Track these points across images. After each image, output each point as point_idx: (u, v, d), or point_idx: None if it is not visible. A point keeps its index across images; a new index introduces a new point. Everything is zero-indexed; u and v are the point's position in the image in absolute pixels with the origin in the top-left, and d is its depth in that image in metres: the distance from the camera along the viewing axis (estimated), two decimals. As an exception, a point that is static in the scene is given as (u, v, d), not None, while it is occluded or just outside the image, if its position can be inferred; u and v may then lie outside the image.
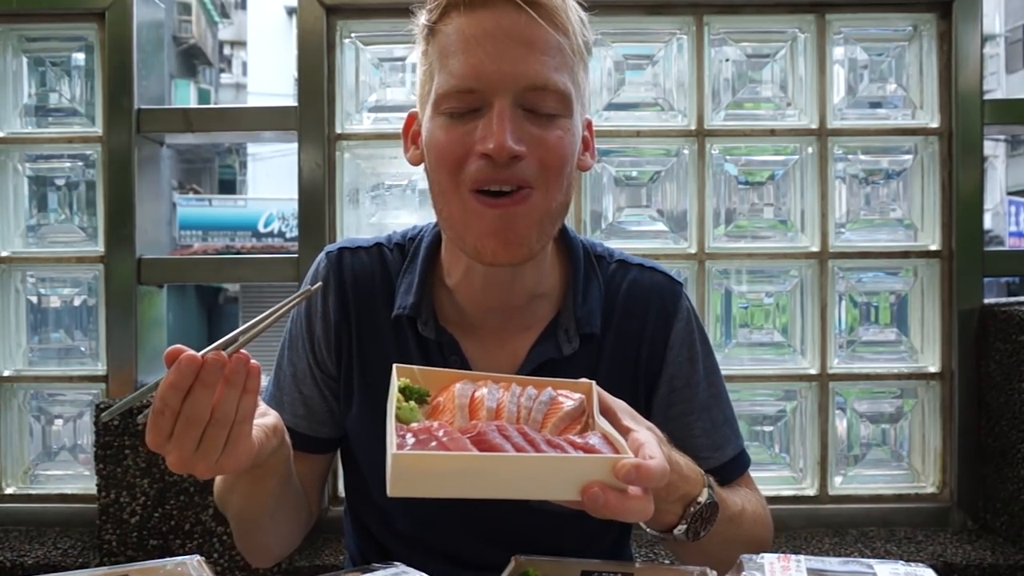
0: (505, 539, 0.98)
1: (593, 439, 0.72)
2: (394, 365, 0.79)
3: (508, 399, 0.76)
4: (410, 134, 0.99)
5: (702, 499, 0.82)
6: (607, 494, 0.66)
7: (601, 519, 0.68)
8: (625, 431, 0.75)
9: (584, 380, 0.81)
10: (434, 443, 0.67)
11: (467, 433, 0.70)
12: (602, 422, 0.76)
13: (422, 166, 0.96)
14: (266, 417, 0.82)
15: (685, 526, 0.82)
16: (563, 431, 0.76)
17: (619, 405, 0.80)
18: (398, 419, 0.72)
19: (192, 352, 0.69)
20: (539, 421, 0.76)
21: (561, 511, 0.96)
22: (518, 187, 0.87)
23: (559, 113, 0.88)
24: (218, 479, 0.98)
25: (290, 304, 0.77)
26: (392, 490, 0.65)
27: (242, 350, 0.72)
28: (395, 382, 0.76)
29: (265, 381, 0.89)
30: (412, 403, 0.76)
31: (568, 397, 0.79)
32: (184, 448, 0.71)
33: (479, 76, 0.85)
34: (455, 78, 0.86)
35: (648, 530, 0.85)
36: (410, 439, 0.68)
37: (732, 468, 1.03)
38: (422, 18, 0.91)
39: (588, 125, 0.98)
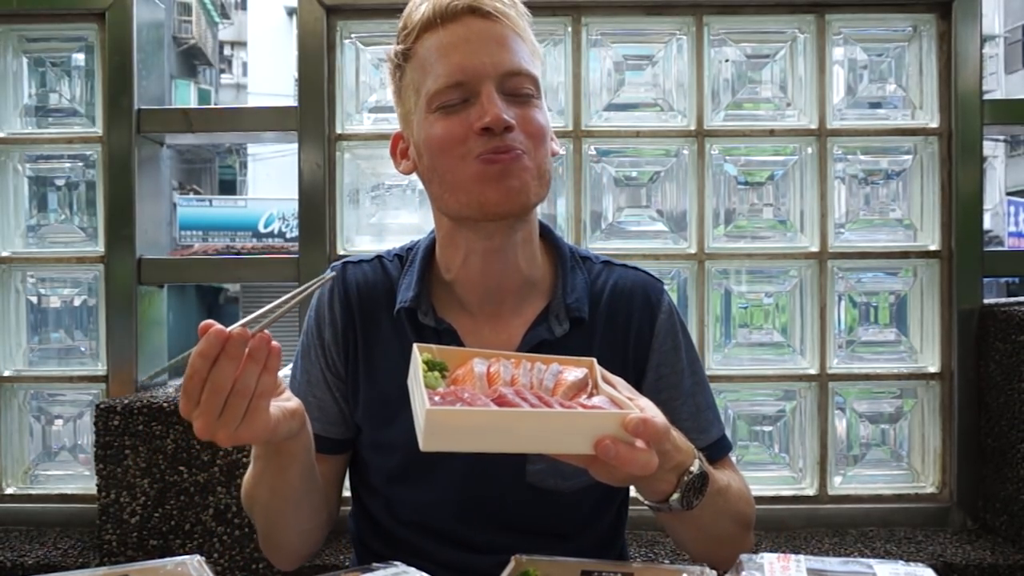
0: (506, 522, 1.05)
1: (601, 401, 0.81)
2: (415, 344, 0.86)
3: (521, 371, 0.84)
4: (398, 152, 1.09)
5: (694, 469, 0.88)
6: (618, 446, 0.74)
7: (595, 502, 0.70)
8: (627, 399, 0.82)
9: (585, 358, 0.89)
10: (460, 403, 0.75)
11: (488, 396, 0.78)
12: (607, 389, 0.84)
13: (415, 173, 1.06)
14: (288, 401, 0.89)
15: (679, 495, 0.88)
16: (571, 398, 0.83)
17: (618, 381, 0.87)
18: (426, 385, 0.79)
19: (221, 326, 0.77)
20: (550, 389, 0.84)
21: (559, 491, 1.04)
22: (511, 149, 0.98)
23: (533, 95, 1.00)
24: (246, 480, 1.04)
25: (308, 289, 0.85)
26: (425, 444, 0.73)
27: (265, 331, 0.80)
28: (417, 357, 0.84)
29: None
30: (436, 373, 0.84)
31: (573, 370, 0.87)
32: (208, 414, 0.78)
33: (464, 70, 0.96)
34: (443, 76, 0.97)
35: (645, 502, 0.92)
36: (438, 399, 0.75)
37: (716, 450, 1.10)
38: (396, 48, 1.03)
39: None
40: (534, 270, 1.09)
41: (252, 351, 0.78)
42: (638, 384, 1.08)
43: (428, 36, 0.99)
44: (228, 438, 0.80)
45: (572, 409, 0.77)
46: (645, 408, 0.80)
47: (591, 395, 0.85)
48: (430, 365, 0.85)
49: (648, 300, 1.11)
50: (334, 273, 1.00)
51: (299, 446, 0.93)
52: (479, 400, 0.76)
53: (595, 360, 0.88)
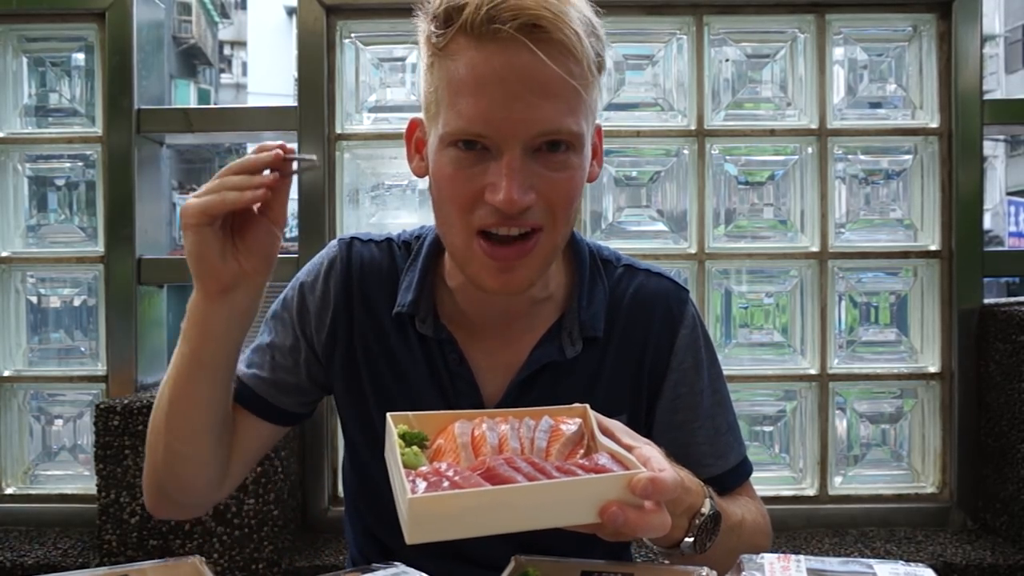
0: (507, 535, 0.97)
1: (602, 459, 0.73)
2: (388, 414, 0.78)
3: (509, 432, 0.76)
4: (413, 141, 0.96)
5: (705, 510, 0.82)
6: (626, 512, 0.67)
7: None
8: (627, 448, 0.75)
9: (578, 405, 0.81)
10: (446, 483, 0.67)
11: (476, 470, 0.69)
12: (606, 441, 0.76)
13: (427, 179, 0.94)
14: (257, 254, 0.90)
15: (692, 539, 0.81)
16: (568, 456, 0.76)
17: (616, 425, 0.80)
18: (405, 465, 0.71)
19: (279, 152, 0.85)
20: (543, 448, 0.76)
21: None
22: (525, 231, 0.87)
23: (570, 153, 0.86)
24: (160, 394, 0.95)
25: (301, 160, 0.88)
26: (411, 537, 0.65)
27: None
28: (392, 430, 0.76)
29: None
30: (415, 448, 0.76)
31: (567, 423, 0.78)
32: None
33: (488, 122, 0.82)
34: (464, 120, 0.83)
35: (655, 548, 0.85)
36: (421, 483, 0.67)
37: (734, 476, 1.03)
38: (429, 26, 0.87)
39: (597, 131, 0.95)
40: (547, 287, 0.99)
41: (254, 164, 0.85)
42: (652, 405, 1.02)
43: (462, 44, 0.82)
44: (198, 195, 0.85)
45: (571, 476, 0.69)
46: (650, 459, 0.72)
47: (588, 450, 0.77)
48: (407, 439, 0.76)
49: (669, 313, 1.02)
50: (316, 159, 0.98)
51: (234, 312, 0.90)
52: (467, 479, 0.67)
53: (588, 407, 0.80)
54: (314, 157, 0.93)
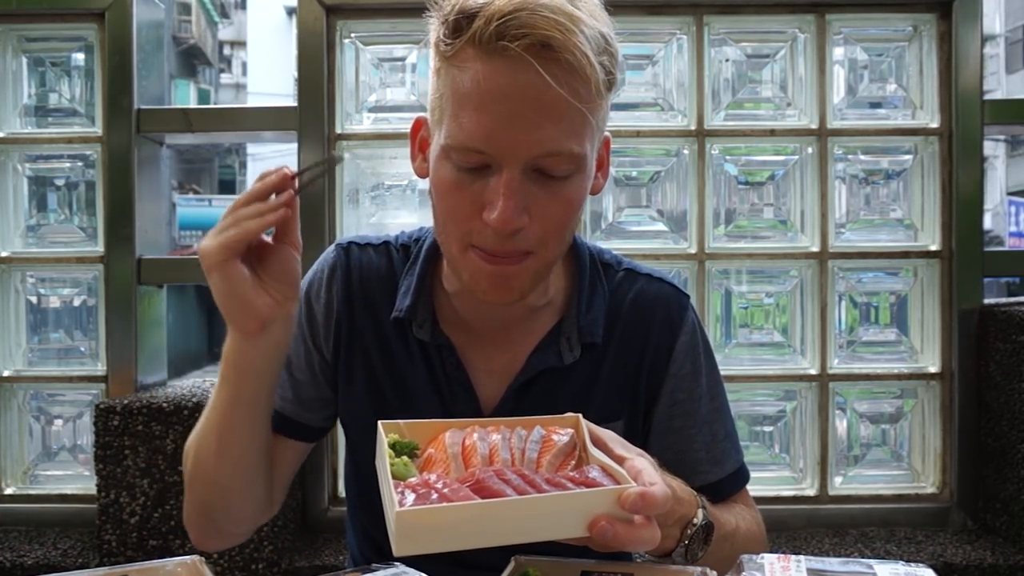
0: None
1: (592, 472, 0.73)
2: (379, 422, 0.78)
3: (500, 443, 0.76)
4: (418, 140, 0.95)
5: (697, 520, 0.82)
6: (615, 526, 0.67)
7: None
8: (619, 460, 0.75)
9: (570, 414, 0.81)
10: (435, 495, 0.67)
11: (465, 482, 0.69)
12: (597, 453, 0.76)
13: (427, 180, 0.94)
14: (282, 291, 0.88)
15: (683, 549, 0.81)
16: (559, 467, 0.76)
17: (608, 435, 0.80)
18: (394, 476, 0.71)
19: (283, 173, 0.83)
20: (534, 460, 0.76)
21: None
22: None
23: (571, 174, 0.85)
24: (194, 434, 0.96)
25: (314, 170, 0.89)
26: (398, 549, 0.65)
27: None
28: (383, 439, 0.76)
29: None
30: (405, 458, 0.75)
31: (558, 433, 0.78)
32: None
33: (489, 139, 0.81)
34: (464, 134, 0.82)
35: (647, 555, 0.85)
36: (410, 495, 0.67)
37: (731, 483, 1.03)
38: (438, 31, 0.85)
39: (605, 143, 0.94)
40: (545, 294, 0.99)
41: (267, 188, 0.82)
42: (649, 410, 1.02)
43: (471, 56, 0.81)
44: (215, 235, 0.81)
45: (561, 489, 0.69)
46: (642, 471, 0.72)
47: (580, 461, 0.77)
48: (398, 448, 0.76)
49: (669, 318, 1.02)
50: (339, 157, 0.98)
51: (266, 359, 0.89)
52: (456, 491, 0.67)
53: (580, 416, 0.80)
54: (336, 155, 0.97)
